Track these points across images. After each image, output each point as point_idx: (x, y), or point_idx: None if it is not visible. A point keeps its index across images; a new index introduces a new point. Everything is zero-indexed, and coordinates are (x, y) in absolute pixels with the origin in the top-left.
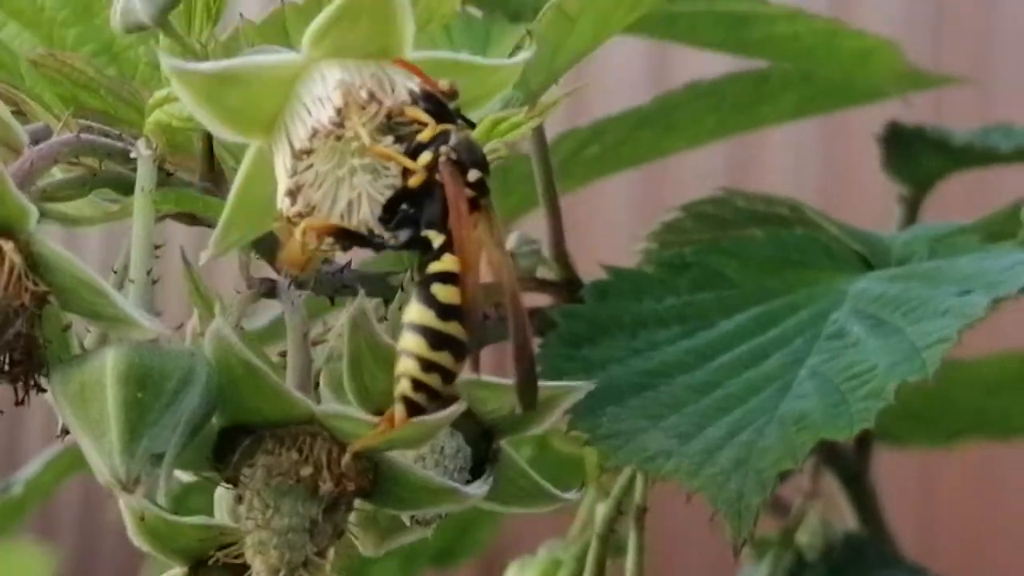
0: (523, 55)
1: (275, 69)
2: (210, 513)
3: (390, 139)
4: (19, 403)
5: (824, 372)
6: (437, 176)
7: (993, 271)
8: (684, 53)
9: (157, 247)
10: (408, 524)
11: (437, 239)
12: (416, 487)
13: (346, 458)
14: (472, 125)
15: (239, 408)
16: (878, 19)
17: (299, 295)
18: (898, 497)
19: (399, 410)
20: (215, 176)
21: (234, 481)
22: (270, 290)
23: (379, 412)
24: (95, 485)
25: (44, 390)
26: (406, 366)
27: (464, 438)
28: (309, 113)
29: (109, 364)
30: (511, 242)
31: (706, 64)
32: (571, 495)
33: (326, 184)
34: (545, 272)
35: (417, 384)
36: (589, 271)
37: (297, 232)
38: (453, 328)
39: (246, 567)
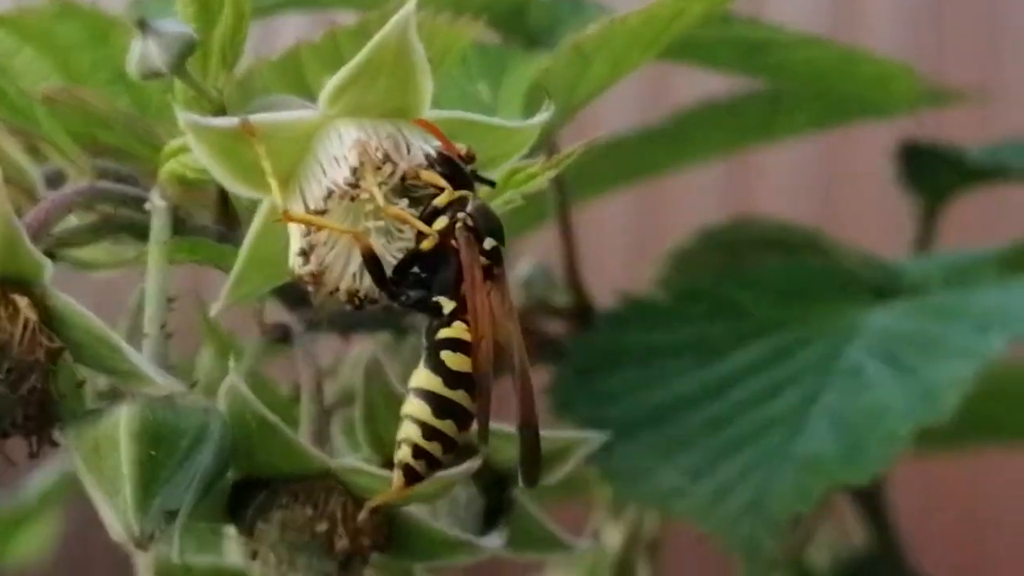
0: (541, 116)
1: (291, 126)
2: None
3: (405, 201)
4: (33, 456)
5: (838, 411)
6: (452, 242)
7: (1012, 306)
8: (682, 71)
9: (171, 300)
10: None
11: (448, 305)
12: (432, 540)
13: (362, 514)
14: (491, 184)
15: (254, 462)
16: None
17: (313, 340)
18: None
19: (397, 476)
20: (229, 219)
21: (248, 535)
22: (284, 336)
23: (392, 461)
24: None
25: (57, 444)
26: (408, 432)
27: (477, 485)
28: (324, 173)
29: (123, 422)
30: (526, 271)
31: (704, 82)
32: (583, 542)
33: (339, 245)
34: (557, 297)
35: (418, 451)
36: (595, 291)
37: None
38: (460, 396)
39: None
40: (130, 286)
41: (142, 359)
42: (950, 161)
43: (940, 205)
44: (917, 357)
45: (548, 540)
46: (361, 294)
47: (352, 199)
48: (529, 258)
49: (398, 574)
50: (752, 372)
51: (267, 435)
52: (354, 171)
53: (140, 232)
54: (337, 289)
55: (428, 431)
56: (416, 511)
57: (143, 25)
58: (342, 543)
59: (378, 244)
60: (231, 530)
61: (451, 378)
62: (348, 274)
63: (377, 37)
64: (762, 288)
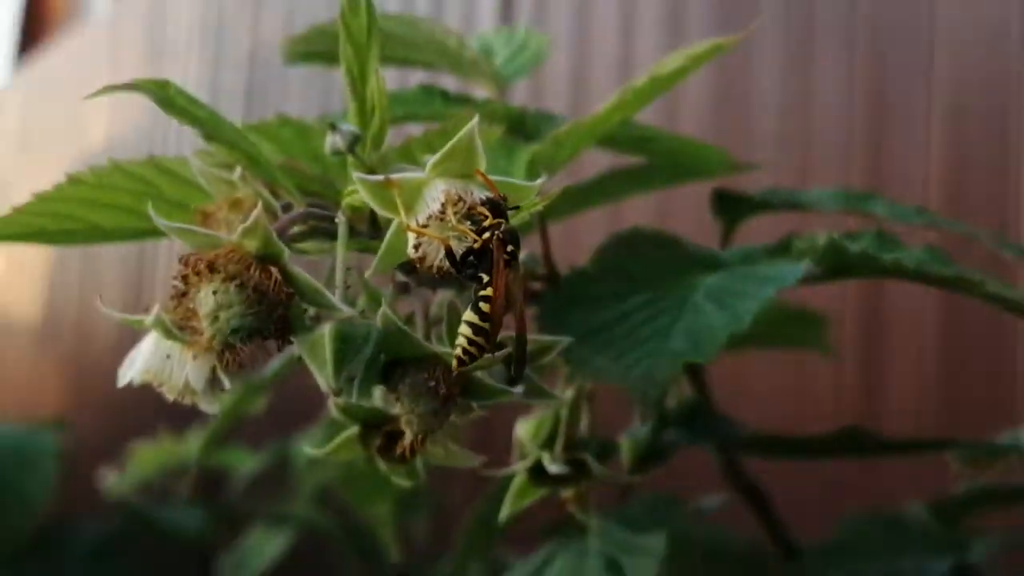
0: (540, 181)
1: (411, 181)
2: None
3: (469, 223)
4: (279, 349)
5: (689, 327)
6: (491, 246)
7: (778, 274)
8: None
9: (348, 270)
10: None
11: (486, 278)
12: (486, 388)
13: (452, 376)
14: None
15: (395, 351)
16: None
17: (421, 290)
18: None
19: (455, 360)
20: (376, 230)
21: (393, 390)
22: (405, 287)
23: None
24: None
25: (291, 343)
26: (460, 340)
27: (505, 364)
28: (427, 206)
29: (327, 331)
30: (524, 256)
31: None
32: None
33: (433, 244)
34: (539, 270)
35: (464, 351)
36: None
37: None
38: (486, 325)
39: (398, 433)
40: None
41: (335, 299)
42: (736, 199)
43: (733, 225)
44: (729, 299)
45: (544, 392)
46: (443, 270)
47: (440, 220)
48: (526, 249)
49: (466, 410)
50: (642, 308)
51: (402, 336)
52: (442, 206)
53: (331, 235)
54: (432, 267)
55: (468, 341)
56: (478, 375)
57: (333, 127)
58: (442, 391)
59: (453, 244)
60: (382, 388)
61: (482, 316)
62: (437, 259)
63: (456, 137)
64: (646, 265)
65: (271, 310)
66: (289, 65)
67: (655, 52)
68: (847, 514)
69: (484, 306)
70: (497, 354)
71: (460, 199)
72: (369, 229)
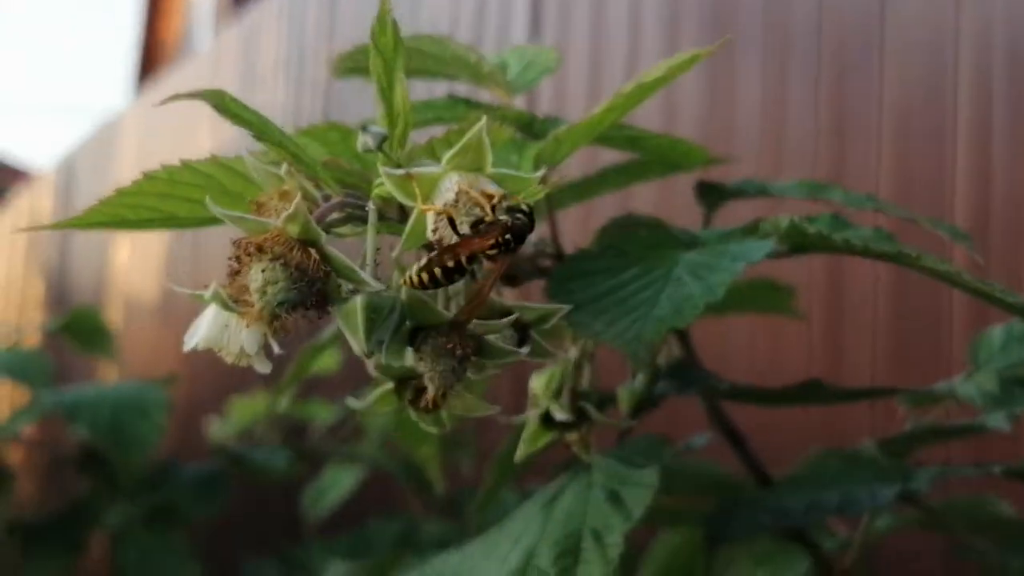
0: (539, 173)
1: (429, 174)
2: None
3: (477, 208)
4: (319, 318)
5: (672, 296)
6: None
7: (747, 251)
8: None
9: (377, 249)
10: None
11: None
12: (497, 350)
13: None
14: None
15: (419, 318)
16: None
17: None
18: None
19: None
20: (403, 215)
21: (417, 351)
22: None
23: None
24: None
25: (329, 313)
26: (413, 272)
27: (515, 328)
28: (442, 195)
29: (358, 302)
30: (535, 237)
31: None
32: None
33: (446, 226)
34: (549, 250)
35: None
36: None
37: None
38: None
39: (423, 388)
40: (360, 244)
41: (365, 274)
42: (717, 188)
43: (712, 210)
44: (705, 272)
45: (547, 352)
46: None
47: (454, 206)
48: (538, 232)
49: (480, 368)
50: (633, 281)
51: (424, 305)
52: (456, 195)
53: (364, 220)
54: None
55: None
56: (490, 338)
57: (364, 128)
58: (459, 352)
59: (462, 225)
60: (410, 350)
61: (440, 271)
62: (451, 237)
63: (467, 135)
64: (637, 243)
65: (311, 285)
66: (338, 78)
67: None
68: (811, 452)
69: (438, 268)
70: (506, 319)
71: (469, 189)
72: (397, 215)
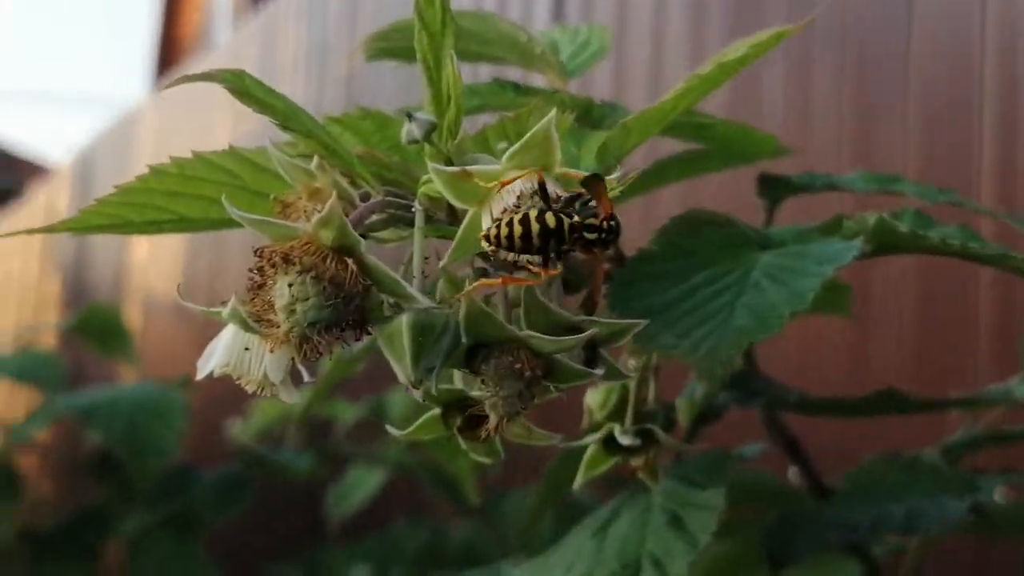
0: (616, 174)
1: (486, 173)
2: None
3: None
4: (358, 339)
5: (751, 305)
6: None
7: (834, 252)
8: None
9: (426, 258)
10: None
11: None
12: (568, 371)
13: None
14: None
15: (479, 335)
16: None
17: (497, 273)
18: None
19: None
20: (454, 217)
21: (476, 373)
22: (483, 272)
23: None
24: None
25: (370, 333)
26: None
27: (585, 348)
28: (503, 198)
29: (404, 322)
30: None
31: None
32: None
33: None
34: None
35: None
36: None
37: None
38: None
39: (480, 418)
40: (404, 250)
41: (412, 289)
42: (782, 181)
43: (776, 205)
44: (788, 277)
45: (619, 373)
46: (517, 258)
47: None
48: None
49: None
50: (704, 286)
51: (485, 319)
52: (517, 198)
53: (408, 222)
54: (506, 255)
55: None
56: (561, 358)
57: (410, 116)
58: (527, 373)
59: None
60: (466, 373)
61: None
62: (514, 248)
63: (534, 129)
64: (705, 243)
65: (348, 301)
66: (371, 60)
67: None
68: (864, 458)
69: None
70: (584, 335)
71: (535, 193)
72: (447, 216)
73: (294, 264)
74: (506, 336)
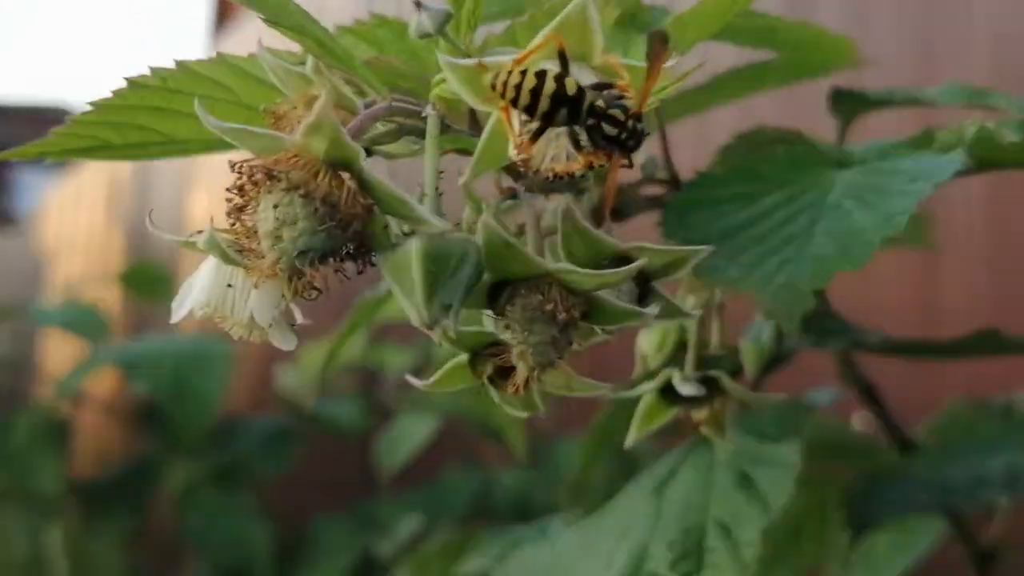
0: (672, 61)
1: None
2: None
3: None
4: (360, 272)
5: (833, 230)
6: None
7: (931, 168)
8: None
9: (440, 172)
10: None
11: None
12: (614, 310)
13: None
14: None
15: (502, 270)
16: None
17: (531, 197)
18: None
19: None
20: (475, 125)
21: (501, 315)
22: (513, 194)
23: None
24: None
25: (374, 264)
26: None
27: (635, 282)
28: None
29: (413, 249)
30: (642, 158)
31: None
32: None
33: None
34: (660, 174)
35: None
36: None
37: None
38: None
39: (509, 368)
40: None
41: (424, 209)
42: (858, 96)
43: (849, 122)
44: (876, 197)
45: (677, 311)
46: (552, 173)
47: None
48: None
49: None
50: (775, 210)
51: (509, 251)
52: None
53: (420, 133)
54: (541, 168)
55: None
56: (603, 295)
57: (418, 4)
58: (561, 315)
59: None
60: (490, 313)
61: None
62: (546, 160)
63: (567, 9)
64: (775, 163)
65: (345, 225)
66: None
67: None
68: (949, 406)
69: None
70: (631, 266)
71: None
72: (469, 125)
73: (279, 181)
74: (535, 271)
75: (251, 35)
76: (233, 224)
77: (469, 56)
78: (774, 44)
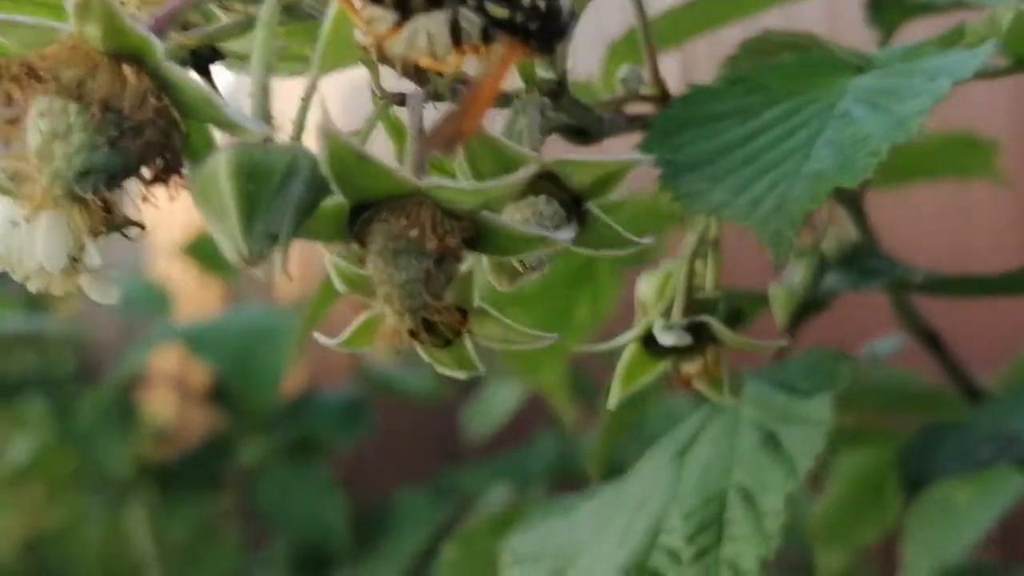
0: None
1: None
2: None
3: None
4: (172, 199)
5: (835, 140)
6: None
7: (951, 64)
8: None
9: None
10: (522, 269)
11: None
12: (513, 237)
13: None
14: None
15: (357, 190)
16: None
17: (423, 104)
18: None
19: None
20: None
21: (361, 243)
22: (400, 100)
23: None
24: None
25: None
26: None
27: (560, 202)
28: None
29: (221, 163)
30: (623, 72)
31: None
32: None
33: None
34: (646, 90)
35: None
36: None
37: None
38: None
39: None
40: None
41: (236, 112)
42: (897, 2)
43: (889, 34)
44: (888, 100)
45: (618, 239)
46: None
47: None
48: (625, 65)
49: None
50: (775, 124)
51: (363, 166)
52: None
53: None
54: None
55: None
56: (497, 217)
57: None
58: (432, 244)
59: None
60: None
61: None
62: (409, 50)
63: None
64: (782, 72)
65: (136, 135)
66: None
67: None
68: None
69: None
70: (510, 178)
71: None
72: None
73: (45, 82)
74: (398, 189)
75: None
76: (5, 142)
77: None
78: None
